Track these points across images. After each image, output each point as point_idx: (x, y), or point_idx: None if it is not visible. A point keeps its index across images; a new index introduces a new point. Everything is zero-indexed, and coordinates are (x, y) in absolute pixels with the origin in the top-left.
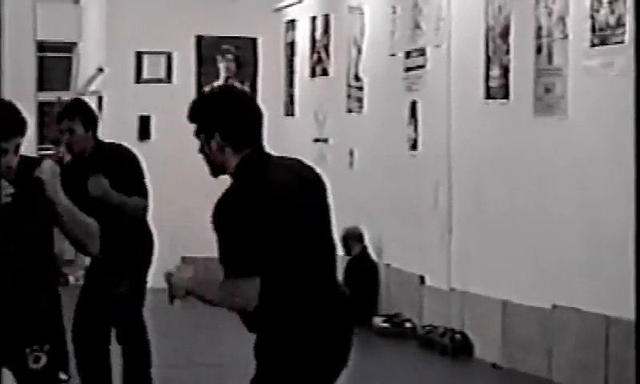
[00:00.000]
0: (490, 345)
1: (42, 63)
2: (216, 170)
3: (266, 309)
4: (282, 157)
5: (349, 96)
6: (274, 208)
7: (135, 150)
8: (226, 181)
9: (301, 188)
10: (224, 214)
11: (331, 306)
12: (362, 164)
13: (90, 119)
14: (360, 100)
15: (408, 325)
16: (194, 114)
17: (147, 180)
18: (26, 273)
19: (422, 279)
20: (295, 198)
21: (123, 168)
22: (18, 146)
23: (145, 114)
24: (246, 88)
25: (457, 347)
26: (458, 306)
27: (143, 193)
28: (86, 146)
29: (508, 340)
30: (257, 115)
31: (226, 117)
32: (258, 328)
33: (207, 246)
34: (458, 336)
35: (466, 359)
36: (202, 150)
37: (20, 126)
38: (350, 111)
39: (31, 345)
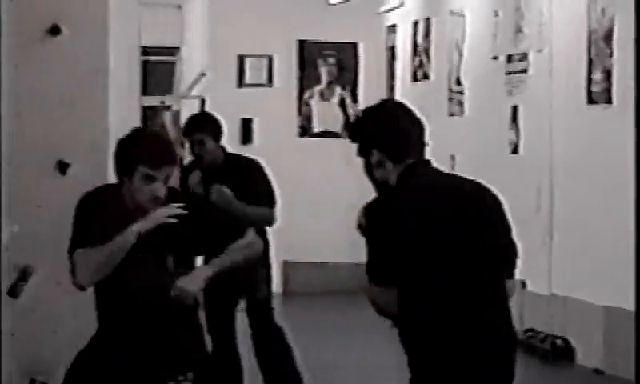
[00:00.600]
0: (592, 350)
1: (145, 67)
2: (379, 187)
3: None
4: (443, 172)
5: (450, 100)
6: (423, 222)
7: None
8: (317, 187)
9: (453, 203)
10: (377, 222)
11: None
12: (464, 168)
13: (219, 131)
14: (461, 103)
15: None
16: (353, 134)
17: (276, 192)
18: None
19: (523, 284)
20: (443, 213)
21: (251, 179)
22: (167, 178)
23: (247, 117)
24: (347, 92)
25: (558, 352)
26: (559, 311)
27: (271, 204)
28: (215, 158)
29: (610, 345)
30: (413, 125)
31: (379, 132)
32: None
33: (307, 250)
34: (559, 341)
35: (568, 365)
36: (366, 171)
37: (171, 157)
38: (451, 115)
39: (176, 373)
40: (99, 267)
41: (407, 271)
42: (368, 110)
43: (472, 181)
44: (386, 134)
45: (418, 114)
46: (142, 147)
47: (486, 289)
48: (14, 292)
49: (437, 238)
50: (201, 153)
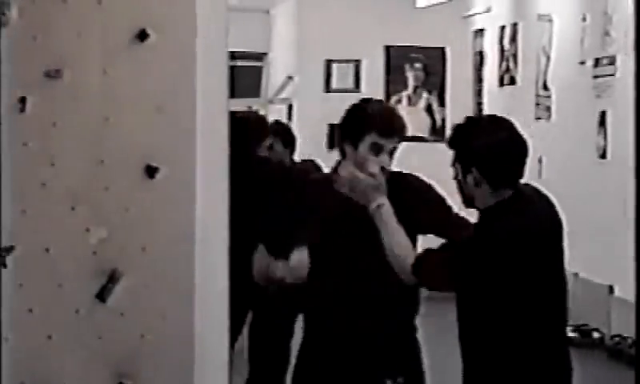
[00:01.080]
0: None
1: (232, 72)
2: (467, 202)
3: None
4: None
5: (537, 104)
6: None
7: (322, 159)
8: None
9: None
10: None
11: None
12: (550, 171)
13: (288, 138)
14: (548, 108)
15: (596, 335)
16: (455, 140)
17: None
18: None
19: (610, 289)
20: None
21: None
22: (393, 150)
23: (333, 122)
24: (434, 97)
25: None
26: None
27: None
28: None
29: None
30: (523, 153)
31: (488, 150)
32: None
33: None
34: None
35: None
36: (456, 177)
37: (401, 127)
38: (538, 119)
39: (388, 375)
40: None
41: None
42: (478, 123)
43: (551, 204)
44: (494, 157)
45: (523, 136)
46: (374, 114)
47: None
48: (102, 295)
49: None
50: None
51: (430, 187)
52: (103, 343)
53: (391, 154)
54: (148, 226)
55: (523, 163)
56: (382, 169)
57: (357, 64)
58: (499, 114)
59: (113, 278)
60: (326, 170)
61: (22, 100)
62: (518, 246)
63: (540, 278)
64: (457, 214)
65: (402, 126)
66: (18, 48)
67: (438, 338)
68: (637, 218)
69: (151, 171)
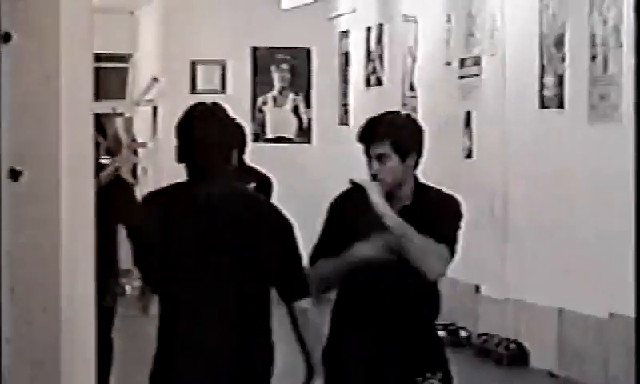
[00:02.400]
0: (546, 353)
1: (98, 74)
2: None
3: None
4: None
5: (404, 105)
6: None
7: None
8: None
9: None
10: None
11: None
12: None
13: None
14: (415, 109)
15: (463, 334)
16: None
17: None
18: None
19: (477, 288)
20: None
21: None
22: (382, 156)
23: None
24: (300, 98)
25: (512, 356)
26: (513, 314)
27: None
28: None
29: (564, 349)
30: None
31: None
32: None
33: None
34: (513, 345)
35: (522, 368)
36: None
37: (379, 132)
38: None
39: (425, 371)
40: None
41: None
42: (409, 116)
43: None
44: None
45: None
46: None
47: None
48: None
49: None
50: None
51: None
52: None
53: (379, 159)
54: (12, 230)
55: None
56: (374, 176)
57: (223, 65)
58: (361, 114)
59: None
60: None
61: None
62: None
63: None
64: None
65: (379, 130)
66: None
67: None
68: (637, 232)
69: (15, 174)
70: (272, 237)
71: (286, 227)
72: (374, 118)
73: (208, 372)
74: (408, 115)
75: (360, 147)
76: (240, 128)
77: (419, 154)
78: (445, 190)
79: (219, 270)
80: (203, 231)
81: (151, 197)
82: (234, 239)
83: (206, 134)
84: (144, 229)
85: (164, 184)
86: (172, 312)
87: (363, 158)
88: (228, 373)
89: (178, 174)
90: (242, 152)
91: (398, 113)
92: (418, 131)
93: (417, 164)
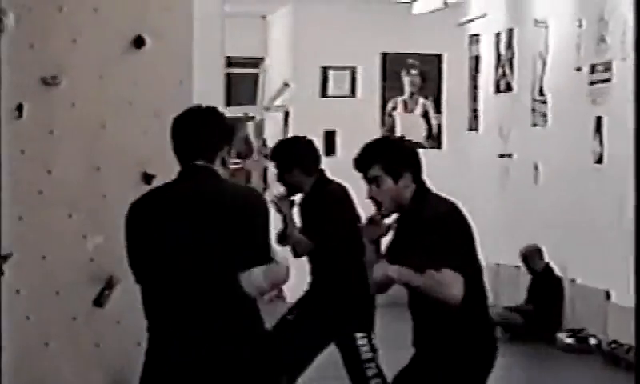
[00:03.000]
0: None
1: (229, 79)
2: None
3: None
4: None
5: (533, 110)
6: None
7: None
8: None
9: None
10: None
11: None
12: (547, 178)
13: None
14: (544, 114)
15: (593, 341)
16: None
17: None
18: None
19: (607, 295)
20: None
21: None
22: (375, 179)
23: (330, 128)
24: (430, 103)
25: None
26: None
27: None
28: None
29: None
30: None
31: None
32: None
33: None
34: None
35: None
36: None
37: (360, 159)
38: (534, 125)
39: None
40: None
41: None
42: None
43: None
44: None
45: None
46: None
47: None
48: (99, 301)
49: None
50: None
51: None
52: (100, 350)
53: (372, 181)
54: None
55: None
56: (373, 199)
57: (353, 71)
58: (490, 119)
59: (109, 285)
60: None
61: (19, 107)
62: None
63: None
64: None
65: (370, 155)
66: (16, 55)
67: None
68: (636, 224)
69: (148, 178)
70: (248, 216)
71: (261, 206)
72: (366, 144)
73: (195, 358)
74: (400, 138)
75: (493, 153)
76: (230, 130)
77: (414, 172)
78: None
79: (196, 256)
80: (178, 223)
81: (139, 198)
82: (208, 226)
83: (183, 135)
84: (125, 228)
85: None
86: (154, 301)
87: (494, 163)
88: (214, 358)
89: None
90: (246, 155)
91: (387, 137)
92: (408, 153)
93: (415, 178)
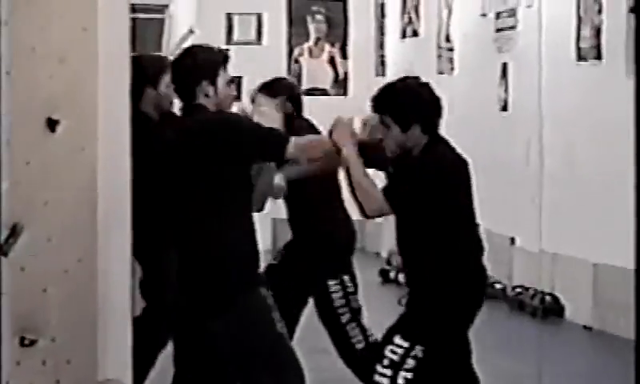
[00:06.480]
0: (581, 306)
1: (134, 24)
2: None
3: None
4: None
5: (439, 57)
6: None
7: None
8: None
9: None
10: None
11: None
12: (453, 124)
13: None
14: (451, 61)
15: (498, 286)
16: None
17: None
18: None
19: (512, 240)
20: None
21: None
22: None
23: (236, 75)
24: (336, 49)
25: (547, 309)
26: (548, 267)
27: None
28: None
29: (599, 302)
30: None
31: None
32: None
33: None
34: (548, 298)
35: (557, 321)
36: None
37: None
38: (440, 72)
39: None
40: None
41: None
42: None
43: None
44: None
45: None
46: None
47: None
48: (3, 250)
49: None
50: None
51: None
52: (5, 298)
53: (383, 123)
54: (50, 180)
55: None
56: (381, 140)
57: (258, 16)
58: (397, 65)
59: (14, 233)
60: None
61: None
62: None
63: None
64: None
65: (381, 101)
66: None
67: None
68: (637, 206)
69: (52, 124)
70: (228, 133)
71: (233, 120)
72: (385, 86)
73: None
74: (419, 84)
75: None
76: (204, 65)
77: (425, 123)
78: (452, 144)
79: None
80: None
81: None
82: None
83: (173, 77)
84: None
85: None
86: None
87: None
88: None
89: None
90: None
91: (407, 83)
92: (422, 104)
93: (428, 129)
